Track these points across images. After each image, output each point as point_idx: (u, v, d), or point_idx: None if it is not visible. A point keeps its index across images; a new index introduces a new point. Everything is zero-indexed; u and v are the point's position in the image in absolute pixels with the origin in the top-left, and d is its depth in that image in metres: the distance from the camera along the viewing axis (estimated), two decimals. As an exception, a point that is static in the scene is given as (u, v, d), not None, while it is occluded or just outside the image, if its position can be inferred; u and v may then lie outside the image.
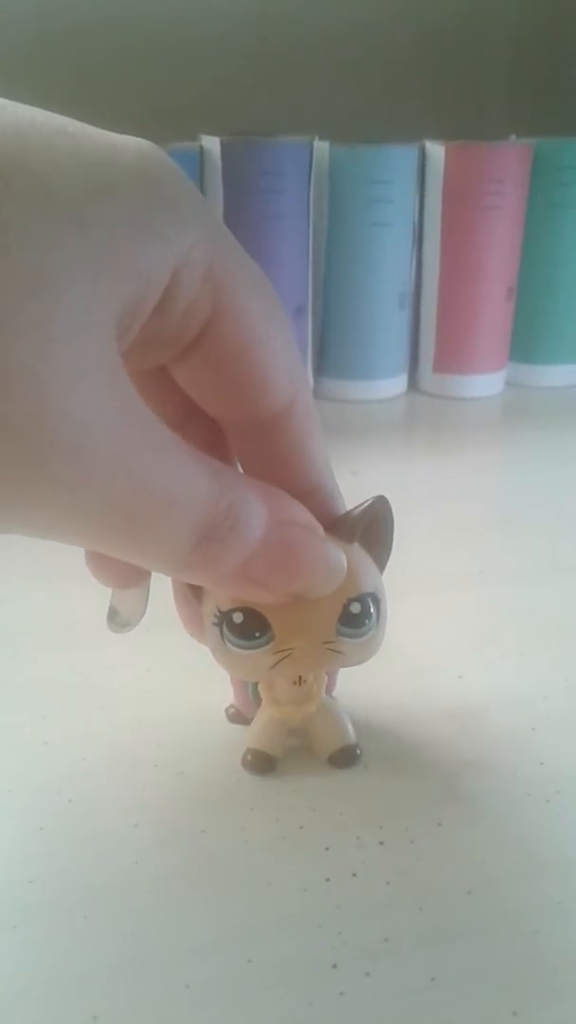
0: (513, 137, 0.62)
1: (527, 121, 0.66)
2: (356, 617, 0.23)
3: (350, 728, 0.27)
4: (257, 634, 0.23)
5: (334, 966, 0.21)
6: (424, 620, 0.35)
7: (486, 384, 0.64)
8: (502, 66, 0.73)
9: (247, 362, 0.20)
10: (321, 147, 0.57)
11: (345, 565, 0.22)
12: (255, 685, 0.26)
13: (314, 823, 0.25)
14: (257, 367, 0.20)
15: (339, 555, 0.22)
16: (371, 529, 0.24)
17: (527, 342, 0.64)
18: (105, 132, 0.18)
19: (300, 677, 0.25)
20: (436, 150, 0.58)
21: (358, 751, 0.27)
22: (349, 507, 0.24)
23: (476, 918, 0.22)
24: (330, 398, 0.62)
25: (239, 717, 0.28)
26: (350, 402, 0.62)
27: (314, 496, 0.23)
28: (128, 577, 0.24)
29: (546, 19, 0.72)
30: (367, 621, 0.23)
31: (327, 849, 0.24)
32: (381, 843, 0.24)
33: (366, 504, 0.24)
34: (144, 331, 0.19)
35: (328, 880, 0.23)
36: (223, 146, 0.54)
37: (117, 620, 0.27)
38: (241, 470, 0.24)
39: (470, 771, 0.27)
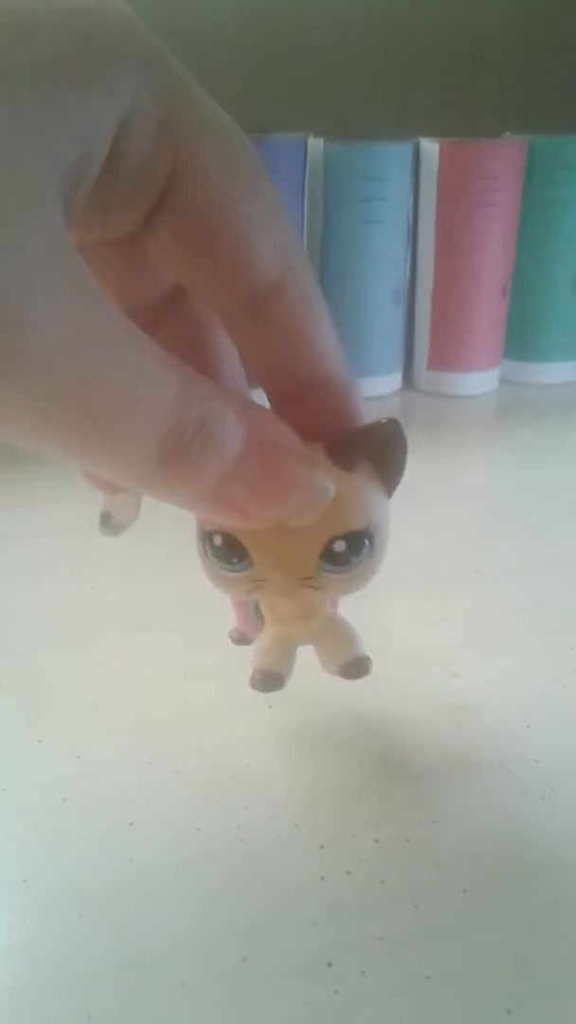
0: (508, 134, 0.62)
1: (521, 118, 0.66)
2: (340, 555, 0.21)
3: (359, 640, 0.26)
4: (235, 560, 0.21)
5: (329, 964, 0.21)
6: (419, 618, 0.35)
7: (481, 381, 0.64)
8: (496, 63, 0.73)
9: (216, 227, 0.18)
10: (315, 144, 0.57)
11: (331, 494, 0.20)
12: (256, 604, 0.25)
13: (309, 821, 0.25)
14: (230, 233, 0.18)
15: (324, 483, 0.20)
16: (379, 454, 0.22)
17: (522, 339, 0.64)
18: None
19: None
20: (431, 147, 0.58)
21: (369, 663, 0.25)
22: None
23: (471, 916, 0.22)
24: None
25: (243, 639, 0.27)
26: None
27: (322, 389, 0.21)
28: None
29: (540, 16, 0.72)
30: (353, 559, 0.22)
31: (322, 847, 0.24)
32: (376, 841, 0.24)
33: (371, 425, 0.22)
34: (98, 192, 0.17)
35: (323, 878, 0.23)
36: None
37: (110, 524, 0.26)
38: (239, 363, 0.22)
39: (465, 769, 0.27)
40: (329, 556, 0.21)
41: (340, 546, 0.21)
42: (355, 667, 0.25)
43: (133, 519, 0.26)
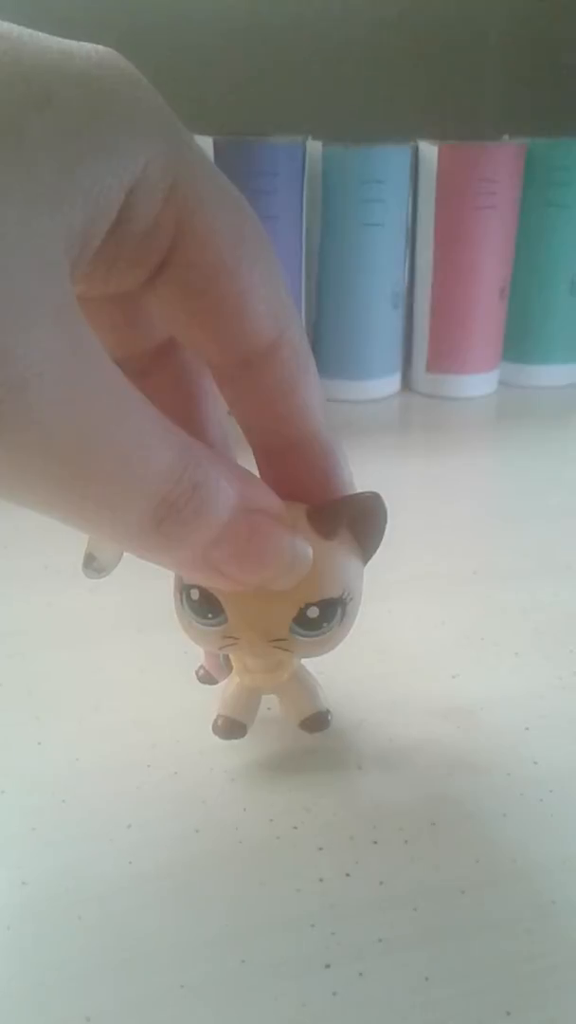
0: (506, 137, 0.62)
1: (520, 121, 0.66)
2: (312, 621, 0.22)
3: (320, 694, 0.26)
4: (210, 615, 0.22)
5: (327, 966, 0.21)
6: (418, 620, 0.35)
7: (479, 384, 0.64)
8: (495, 66, 0.73)
9: (218, 291, 0.19)
10: (314, 147, 0.57)
11: (309, 563, 0.21)
12: (225, 656, 0.26)
13: (308, 823, 0.25)
14: (230, 297, 0.19)
15: (305, 551, 0.21)
16: (359, 522, 0.22)
17: (520, 342, 0.64)
18: (60, 39, 0.16)
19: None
20: (429, 150, 0.58)
21: (329, 716, 0.26)
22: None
23: (470, 918, 0.22)
24: (324, 398, 0.62)
25: (208, 678, 0.28)
26: (344, 402, 0.62)
27: (307, 449, 0.22)
28: None
29: (539, 19, 0.72)
30: (324, 624, 0.22)
31: (321, 849, 0.24)
32: (375, 843, 0.24)
33: (355, 497, 0.22)
34: (102, 255, 0.17)
35: (322, 880, 0.23)
36: (216, 146, 0.54)
37: (93, 566, 0.26)
38: (227, 409, 0.23)
39: (464, 771, 0.27)
40: (302, 621, 0.22)
41: (313, 612, 0.22)
42: (314, 721, 0.27)
43: (116, 561, 0.26)
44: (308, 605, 0.22)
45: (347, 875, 0.23)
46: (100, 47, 0.17)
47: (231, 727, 0.26)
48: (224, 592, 0.22)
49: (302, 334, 0.21)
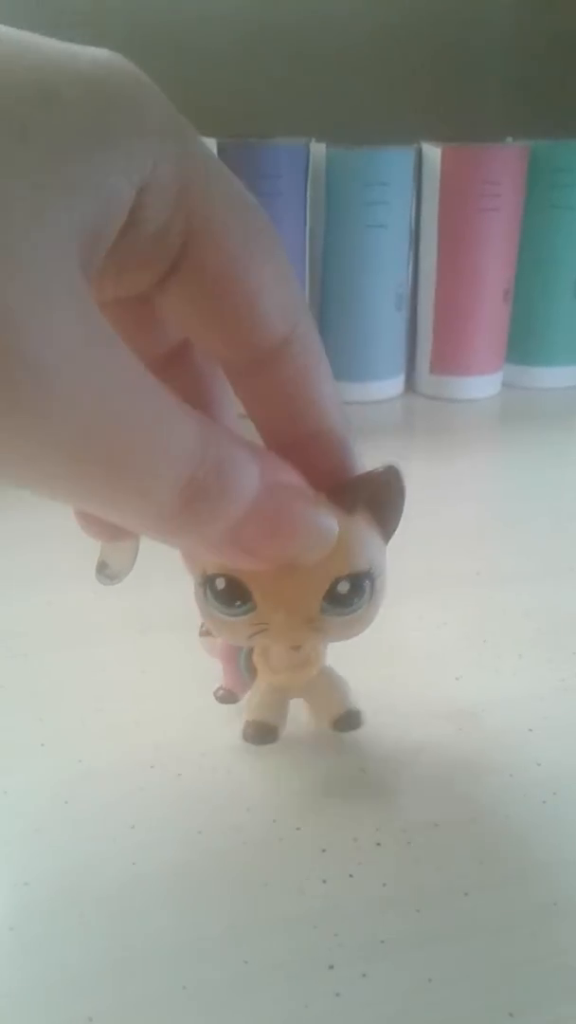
0: (509, 139, 0.62)
1: (523, 123, 0.67)
2: (344, 597, 0.22)
3: (351, 692, 0.26)
4: (238, 603, 0.22)
5: (331, 967, 0.21)
6: (421, 622, 0.35)
7: (483, 386, 0.64)
8: (498, 68, 0.73)
9: (229, 290, 0.19)
10: (318, 149, 0.57)
11: (335, 534, 0.21)
12: (247, 659, 0.26)
13: (311, 824, 0.25)
14: (243, 296, 0.19)
15: (330, 523, 0.21)
16: (376, 498, 0.22)
17: (524, 344, 0.64)
18: (64, 43, 0.16)
19: (297, 645, 0.24)
20: (433, 152, 0.58)
21: (361, 715, 0.26)
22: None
23: (473, 919, 0.22)
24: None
25: (229, 697, 0.27)
26: (347, 404, 0.62)
27: (321, 442, 0.22)
28: (116, 530, 0.23)
29: (542, 21, 0.72)
30: (356, 600, 0.22)
31: (324, 850, 0.24)
32: (378, 844, 0.24)
33: (372, 472, 0.22)
34: (113, 256, 0.17)
35: (325, 881, 0.23)
36: (220, 148, 0.54)
37: (106, 573, 0.26)
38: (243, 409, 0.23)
39: (467, 772, 0.27)
40: (332, 597, 0.22)
41: (344, 587, 0.22)
42: (346, 720, 0.26)
43: (129, 568, 0.26)
44: (338, 580, 0.21)
45: (350, 876, 0.23)
46: (105, 50, 0.17)
47: (262, 732, 0.26)
48: (251, 576, 0.21)
49: (314, 328, 0.21)
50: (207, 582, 0.22)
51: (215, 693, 0.27)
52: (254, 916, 0.22)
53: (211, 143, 0.54)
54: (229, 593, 0.22)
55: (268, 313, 0.19)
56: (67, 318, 0.15)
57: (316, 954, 0.21)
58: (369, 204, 0.57)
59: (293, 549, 0.20)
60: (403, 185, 0.58)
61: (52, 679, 0.31)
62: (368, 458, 0.23)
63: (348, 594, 0.22)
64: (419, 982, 0.20)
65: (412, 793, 0.26)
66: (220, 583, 0.22)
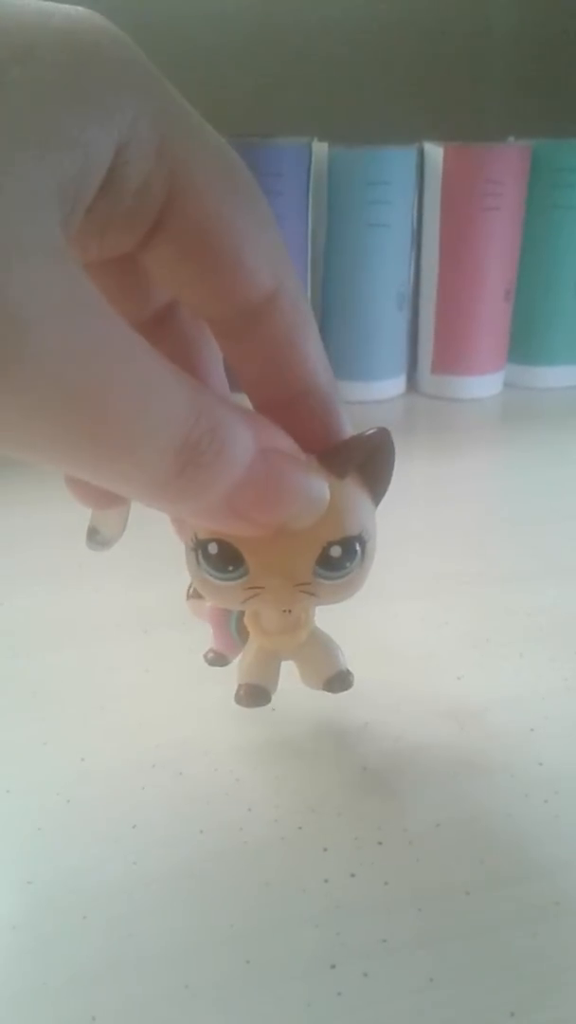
0: (511, 138, 0.62)
1: (525, 122, 0.66)
2: (336, 560, 0.22)
3: (340, 655, 0.26)
4: (231, 568, 0.22)
5: (332, 966, 0.21)
6: (423, 621, 0.35)
7: (485, 385, 0.64)
8: (500, 67, 0.73)
9: (213, 245, 0.18)
10: (320, 148, 0.57)
11: (327, 498, 0.21)
12: (237, 622, 0.26)
13: (312, 824, 0.25)
14: (226, 251, 0.19)
15: (321, 487, 0.21)
16: (368, 462, 0.22)
17: (526, 343, 0.64)
18: (37, 1, 0.16)
19: (288, 609, 0.24)
20: (435, 151, 0.58)
21: (351, 676, 0.26)
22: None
23: (474, 919, 0.22)
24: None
25: (218, 659, 0.27)
26: (349, 403, 0.62)
27: (307, 401, 0.22)
28: (107, 496, 0.23)
29: (545, 20, 0.72)
30: (347, 564, 0.22)
31: (325, 850, 0.24)
32: (380, 844, 0.24)
33: (363, 435, 0.22)
34: (95, 214, 0.17)
35: (326, 881, 0.23)
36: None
37: (97, 539, 0.26)
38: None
39: (468, 772, 0.27)
40: (325, 562, 0.22)
41: (336, 551, 0.22)
42: (338, 681, 0.26)
43: (120, 534, 0.26)
44: (330, 544, 0.22)
45: (352, 876, 0.23)
46: (79, 8, 0.16)
47: (255, 694, 0.26)
48: (244, 541, 0.21)
49: (300, 286, 0.21)
50: (199, 547, 0.22)
51: (205, 656, 0.27)
52: (256, 915, 0.22)
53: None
54: (222, 558, 0.22)
55: (254, 265, 0.19)
56: (48, 274, 0.14)
57: (318, 953, 0.21)
58: (371, 203, 0.57)
59: (286, 515, 0.20)
60: (405, 184, 0.58)
61: (55, 678, 0.31)
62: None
63: (340, 558, 0.22)
64: (421, 981, 0.20)
65: (414, 792, 0.26)
66: (212, 548, 0.22)
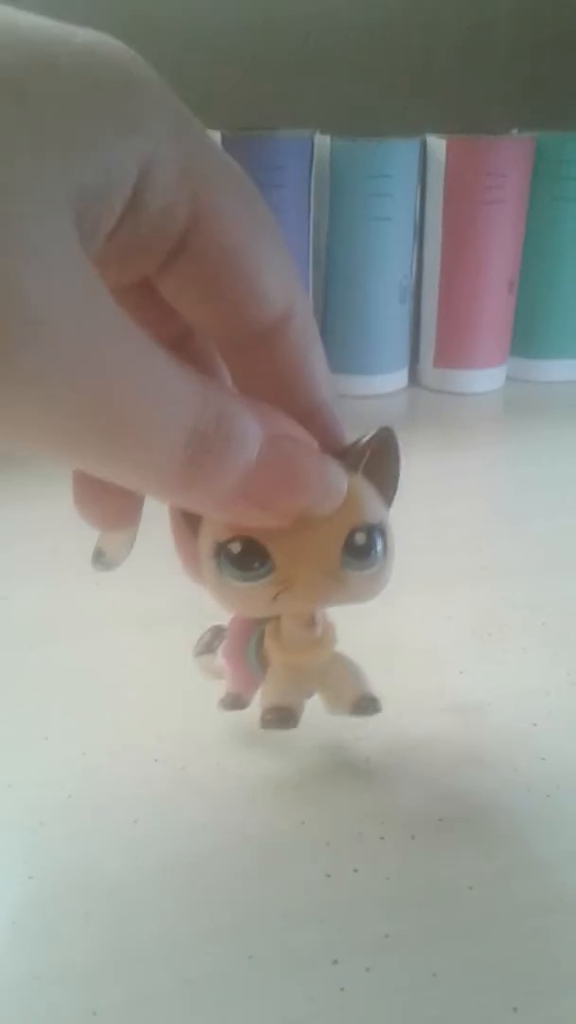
0: (514, 131, 0.62)
1: (528, 115, 0.66)
2: (361, 548, 0.22)
3: (366, 677, 0.26)
4: (257, 564, 0.21)
5: (335, 962, 0.21)
6: (426, 616, 0.35)
7: (487, 379, 0.64)
8: (503, 60, 0.73)
9: (233, 269, 0.19)
10: (322, 141, 0.57)
11: (345, 484, 0.21)
12: (257, 646, 0.25)
13: (315, 819, 0.25)
14: (245, 274, 0.19)
15: (338, 471, 0.21)
16: (376, 460, 0.22)
17: (528, 337, 0.64)
18: (60, 24, 0.16)
19: (312, 619, 0.24)
20: (437, 144, 0.58)
21: (379, 701, 0.26)
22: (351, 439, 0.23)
23: (477, 914, 0.22)
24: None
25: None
26: (351, 397, 0.62)
27: (314, 418, 0.22)
28: (115, 517, 0.23)
29: (547, 12, 0.72)
30: (372, 553, 0.22)
31: (328, 844, 0.24)
32: (382, 839, 0.24)
33: (370, 434, 0.22)
34: (118, 239, 0.17)
35: (329, 876, 0.23)
36: (223, 140, 0.54)
37: (103, 560, 0.26)
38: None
39: (471, 767, 0.27)
40: (351, 549, 0.22)
41: (360, 538, 0.22)
42: (366, 704, 0.26)
43: (126, 556, 0.26)
44: (354, 530, 0.22)
45: (354, 871, 0.23)
46: (101, 33, 0.17)
47: (282, 716, 0.25)
48: (267, 534, 0.21)
49: (310, 308, 0.21)
50: (220, 551, 0.21)
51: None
52: (258, 910, 0.22)
53: (215, 135, 0.54)
54: (246, 555, 0.21)
55: (269, 289, 0.19)
56: (62, 274, 0.15)
57: (320, 948, 0.21)
58: (373, 196, 0.57)
59: (306, 499, 0.20)
60: (407, 177, 0.58)
61: (56, 672, 0.31)
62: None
63: (365, 546, 0.22)
64: (423, 976, 0.20)
65: (416, 787, 0.26)
66: (235, 547, 0.21)
